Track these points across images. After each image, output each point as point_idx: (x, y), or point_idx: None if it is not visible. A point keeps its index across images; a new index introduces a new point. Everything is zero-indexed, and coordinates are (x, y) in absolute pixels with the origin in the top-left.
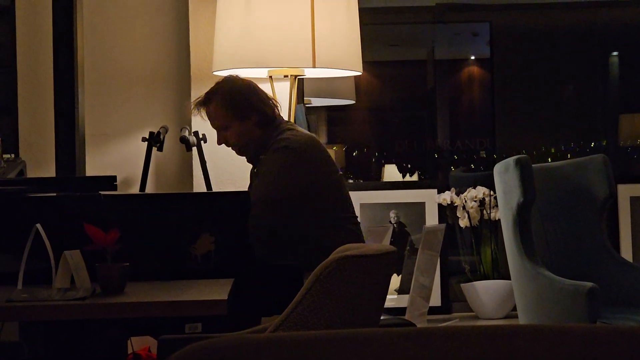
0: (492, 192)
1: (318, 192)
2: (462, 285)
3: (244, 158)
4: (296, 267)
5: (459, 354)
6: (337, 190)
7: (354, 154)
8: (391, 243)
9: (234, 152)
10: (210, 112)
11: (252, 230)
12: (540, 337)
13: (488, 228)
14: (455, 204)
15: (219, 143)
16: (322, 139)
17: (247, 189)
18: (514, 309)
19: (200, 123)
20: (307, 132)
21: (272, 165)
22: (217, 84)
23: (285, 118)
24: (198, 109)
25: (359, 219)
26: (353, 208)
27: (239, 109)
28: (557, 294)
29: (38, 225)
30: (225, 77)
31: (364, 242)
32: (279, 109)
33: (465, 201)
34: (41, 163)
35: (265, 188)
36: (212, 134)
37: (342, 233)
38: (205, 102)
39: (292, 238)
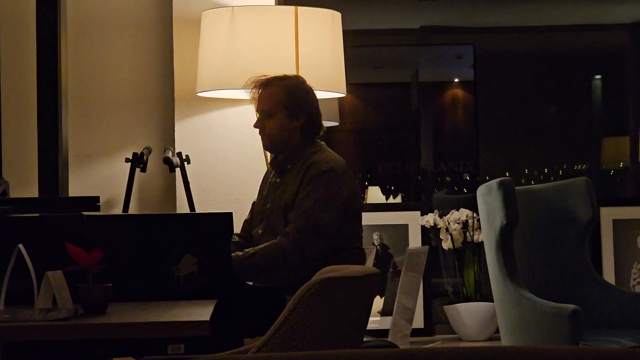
0: (475, 215)
1: (345, 221)
2: (445, 307)
3: (227, 179)
4: (279, 289)
5: None
6: (359, 221)
7: None
8: (374, 265)
9: (217, 172)
10: (264, 94)
11: (305, 252)
12: (522, 358)
13: (471, 250)
14: (439, 226)
15: (255, 126)
16: None
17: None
18: (497, 331)
19: (184, 144)
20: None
21: (324, 190)
22: (286, 74)
23: None
24: (255, 88)
25: None
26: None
27: (295, 104)
28: (540, 317)
29: (20, 246)
30: (294, 74)
31: None
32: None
33: (449, 223)
34: (24, 183)
35: (318, 213)
36: (195, 154)
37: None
38: (266, 83)
39: (315, 264)
